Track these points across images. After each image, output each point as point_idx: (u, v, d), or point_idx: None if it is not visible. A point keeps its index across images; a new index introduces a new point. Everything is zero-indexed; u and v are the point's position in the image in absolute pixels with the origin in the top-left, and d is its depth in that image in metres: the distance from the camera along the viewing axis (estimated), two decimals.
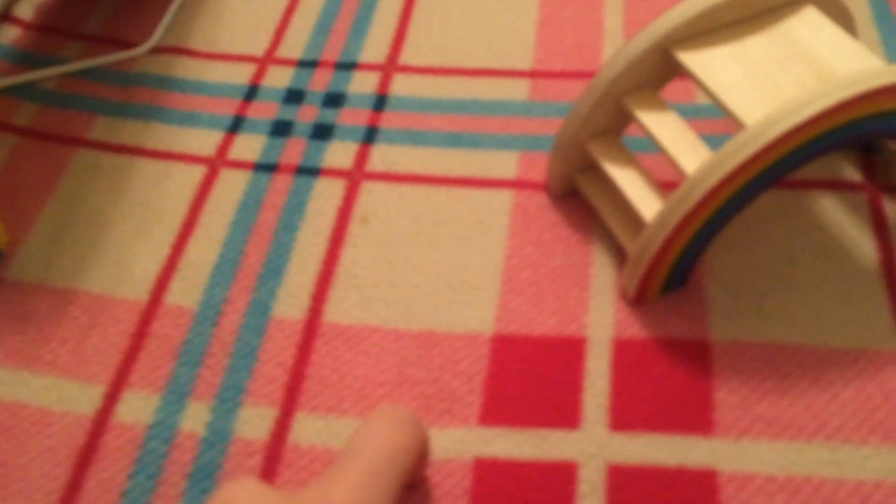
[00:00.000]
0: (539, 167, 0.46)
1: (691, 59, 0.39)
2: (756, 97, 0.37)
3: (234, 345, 0.40)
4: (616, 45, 0.53)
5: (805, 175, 0.44)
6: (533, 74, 0.52)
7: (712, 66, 0.38)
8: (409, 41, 0.54)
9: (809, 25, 0.39)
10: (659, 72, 0.40)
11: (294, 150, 0.48)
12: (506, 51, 0.53)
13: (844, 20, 0.42)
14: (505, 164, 0.47)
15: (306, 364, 0.39)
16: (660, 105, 0.40)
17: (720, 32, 0.39)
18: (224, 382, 0.39)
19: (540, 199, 0.45)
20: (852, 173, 0.44)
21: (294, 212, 0.45)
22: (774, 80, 0.37)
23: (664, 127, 0.39)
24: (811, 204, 0.43)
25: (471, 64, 0.53)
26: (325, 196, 0.46)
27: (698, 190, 0.35)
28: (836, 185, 0.43)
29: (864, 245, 0.41)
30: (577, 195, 0.45)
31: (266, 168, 0.48)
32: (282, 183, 0.47)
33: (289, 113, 0.51)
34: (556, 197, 0.45)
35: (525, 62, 0.52)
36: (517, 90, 0.51)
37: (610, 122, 0.41)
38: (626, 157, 0.41)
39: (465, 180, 0.46)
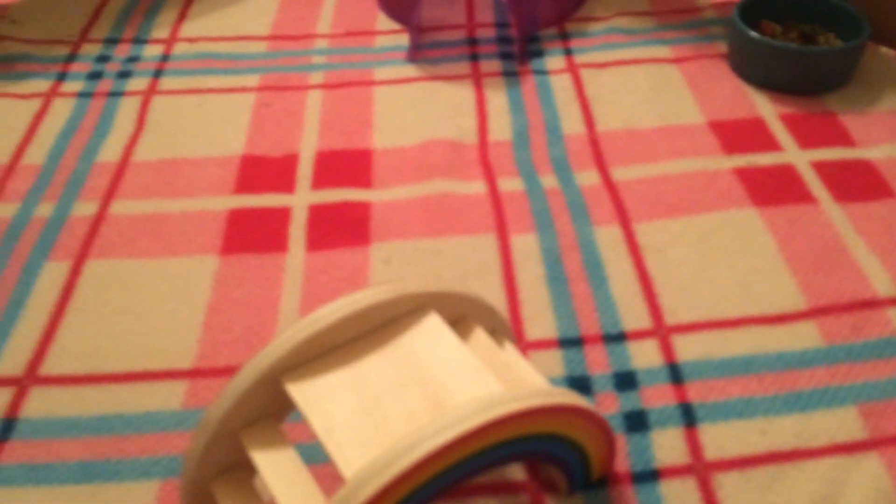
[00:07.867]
0: None
1: (301, 390, 0.35)
2: (362, 437, 0.33)
3: None
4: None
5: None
6: (192, 374, 0.46)
7: (323, 397, 0.34)
8: (57, 341, 0.48)
9: (429, 339, 0.36)
10: (274, 403, 0.36)
11: None
12: (167, 345, 0.48)
13: (487, 315, 0.40)
14: (141, 500, 0.40)
15: None
16: (278, 442, 0.35)
17: (337, 353, 0.36)
18: None
19: None
20: (516, 471, 0.41)
21: None
22: (384, 413, 0.34)
23: (277, 469, 0.34)
24: None
25: (123, 367, 0.47)
26: None
27: None
28: (500, 488, 0.40)
29: None
30: None
31: None
32: None
33: None
34: None
35: (186, 359, 0.47)
36: (172, 396, 0.45)
37: (232, 458, 0.36)
38: (252, 499, 0.36)
39: None
